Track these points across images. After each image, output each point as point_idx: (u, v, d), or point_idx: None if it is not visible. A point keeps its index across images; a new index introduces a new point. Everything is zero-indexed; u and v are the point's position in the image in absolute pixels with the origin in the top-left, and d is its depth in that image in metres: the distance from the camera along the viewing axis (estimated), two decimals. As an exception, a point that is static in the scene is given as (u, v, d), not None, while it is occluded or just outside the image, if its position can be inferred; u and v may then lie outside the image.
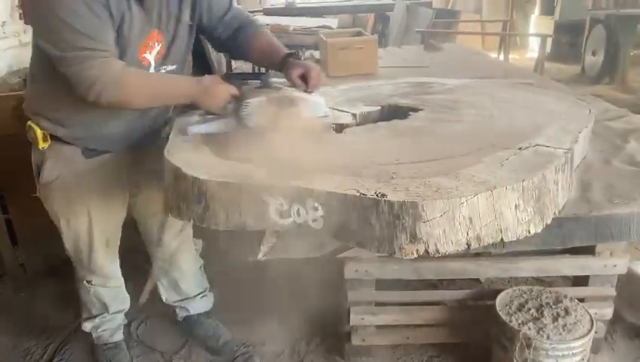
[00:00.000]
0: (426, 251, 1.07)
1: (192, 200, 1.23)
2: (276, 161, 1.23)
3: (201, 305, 2.01)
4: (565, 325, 1.57)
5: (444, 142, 1.43)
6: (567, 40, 7.18)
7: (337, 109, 1.76)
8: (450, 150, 1.34)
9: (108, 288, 1.81)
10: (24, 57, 2.80)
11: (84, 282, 1.77)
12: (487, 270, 1.74)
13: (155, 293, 2.04)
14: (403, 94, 1.97)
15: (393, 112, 1.76)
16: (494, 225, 1.11)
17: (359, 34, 3.29)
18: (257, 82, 1.54)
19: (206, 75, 1.45)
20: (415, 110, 1.73)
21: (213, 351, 1.94)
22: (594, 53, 6.35)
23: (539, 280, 2.16)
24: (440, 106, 1.77)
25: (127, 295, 1.92)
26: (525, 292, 1.72)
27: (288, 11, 6.17)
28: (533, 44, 8.00)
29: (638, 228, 1.42)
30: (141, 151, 1.61)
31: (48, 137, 1.50)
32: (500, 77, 2.72)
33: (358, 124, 1.67)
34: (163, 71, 1.51)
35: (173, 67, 1.54)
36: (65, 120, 1.48)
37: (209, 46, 2.33)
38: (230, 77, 1.50)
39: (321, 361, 1.90)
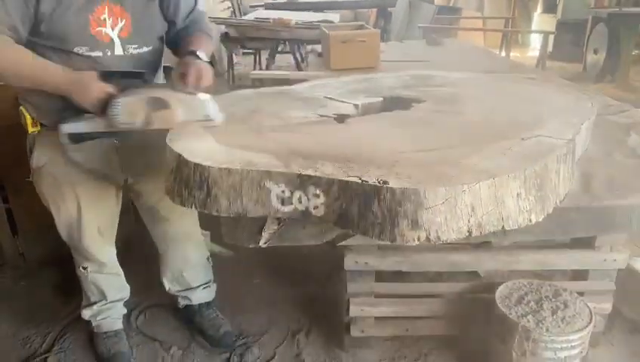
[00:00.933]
0: (427, 238, 1.07)
1: (193, 186, 1.23)
2: (279, 148, 1.23)
3: (202, 296, 2.01)
4: (564, 318, 1.57)
5: (446, 132, 1.43)
6: (569, 38, 7.18)
7: (339, 100, 1.76)
8: (452, 140, 1.34)
9: (104, 275, 1.81)
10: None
11: (81, 268, 1.79)
12: (486, 262, 1.74)
13: (154, 283, 2.04)
14: (405, 86, 1.97)
15: (395, 103, 1.76)
16: (496, 213, 1.11)
17: (361, 27, 3.29)
18: (138, 81, 1.45)
19: (84, 71, 1.38)
20: (418, 101, 1.73)
21: (213, 341, 1.94)
22: (596, 52, 6.35)
23: (538, 275, 2.16)
24: (442, 98, 1.77)
25: (127, 284, 1.93)
26: (525, 286, 1.72)
27: (290, 6, 6.17)
28: (535, 42, 8.02)
29: (638, 220, 1.42)
30: (137, 140, 1.59)
31: (38, 123, 1.50)
32: (502, 72, 2.72)
33: (360, 115, 1.67)
34: (133, 51, 1.48)
35: (147, 49, 1.52)
36: (49, 109, 1.47)
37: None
38: (108, 74, 1.40)
39: (320, 352, 1.90)
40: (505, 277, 1.98)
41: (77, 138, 1.48)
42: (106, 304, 1.88)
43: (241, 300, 2.14)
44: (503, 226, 1.13)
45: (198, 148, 1.29)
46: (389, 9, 6.47)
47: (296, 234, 1.35)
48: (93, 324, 1.91)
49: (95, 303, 1.87)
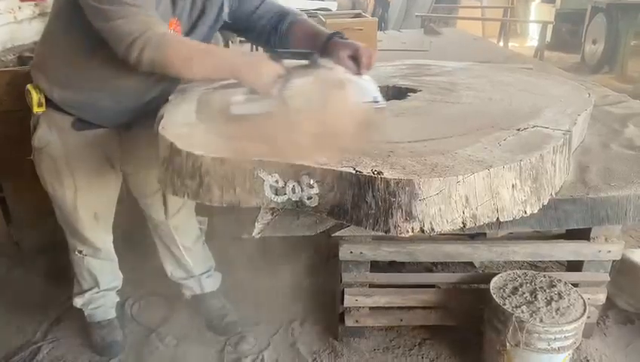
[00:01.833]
0: (421, 229, 1.06)
1: (186, 176, 1.22)
2: (274, 138, 1.21)
3: (206, 284, 2.00)
4: (558, 309, 1.57)
5: (441, 122, 1.42)
6: (568, 28, 7.17)
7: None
8: (447, 130, 1.33)
9: (99, 260, 1.81)
10: (19, 34, 2.76)
11: (76, 252, 1.78)
12: (481, 253, 1.74)
13: (149, 272, 2.04)
14: (402, 76, 1.95)
15: (392, 93, 1.74)
16: (490, 205, 1.11)
17: (359, 16, 3.26)
18: (306, 61, 1.43)
19: (252, 52, 1.39)
20: (414, 91, 1.72)
21: (216, 330, 1.94)
22: (594, 42, 6.34)
23: (533, 266, 2.17)
24: (438, 88, 1.75)
25: (120, 273, 1.93)
26: (519, 276, 1.72)
27: (287, -6, 6.10)
28: (534, 32, 7.97)
29: (634, 211, 1.42)
30: (136, 131, 1.60)
31: (43, 103, 1.50)
32: (499, 62, 2.71)
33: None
34: None
35: None
36: (63, 80, 1.47)
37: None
38: (277, 54, 1.39)
39: (315, 342, 1.91)
40: (500, 268, 1.99)
41: (81, 125, 1.49)
42: (98, 292, 1.87)
43: (236, 289, 2.14)
44: (498, 218, 1.13)
45: (191, 137, 1.28)
46: (387, -2, 6.42)
47: (289, 225, 1.34)
48: (86, 313, 1.91)
49: (87, 291, 1.86)
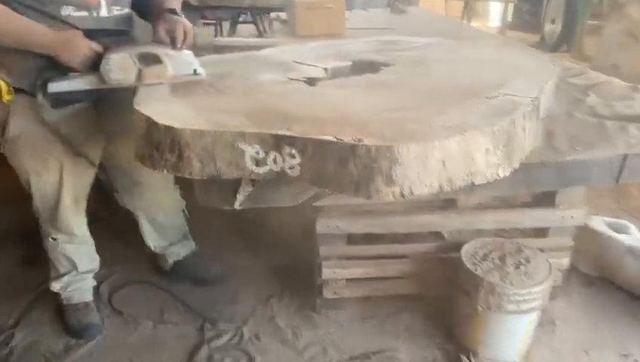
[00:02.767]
0: (401, 193, 1.10)
1: (165, 149, 1.21)
2: (252, 110, 1.22)
3: (186, 247, 2.08)
4: (526, 272, 1.64)
5: (415, 93, 1.45)
6: (528, 8, 7.29)
7: (308, 64, 1.75)
8: (421, 101, 1.36)
9: (75, 245, 1.79)
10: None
11: (50, 239, 1.75)
12: (452, 223, 1.80)
13: (124, 256, 2.02)
14: (373, 51, 1.98)
15: (365, 67, 1.76)
16: (466, 168, 1.15)
17: (328, -6, 3.25)
18: (124, 38, 1.48)
19: (69, 30, 1.38)
20: (386, 65, 1.75)
21: (207, 282, 2.02)
22: (553, 22, 6.49)
23: (501, 235, 2.24)
24: (410, 62, 1.79)
25: (97, 256, 1.90)
26: (489, 243, 1.78)
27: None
28: (495, 12, 8.11)
29: (597, 173, 1.50)
30: (116, 101, 1.57)
31: (12, 91, 1.44)
32: (465, 38, 2.76)
33: (329, 78, 1.67)
34: (116, 12, 1.48)
35: (127, 11, 1.52)
36: (17, 67, 1.42)
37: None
38: (93, 33, 1.41)
39: (294, 315, 1.93)
40: (470, 237, 2.05)
41: (58, 102, 1.46)
42: (77, 275, 1.85)
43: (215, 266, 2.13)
44: (472, 181, 1.17)
45: (168, 111, 1.27)
46: (352, -23, 6.41)
47: (271, 196, 1.36)
48: (63, 296, 1.88)
49: (65, 274, 1.83)
